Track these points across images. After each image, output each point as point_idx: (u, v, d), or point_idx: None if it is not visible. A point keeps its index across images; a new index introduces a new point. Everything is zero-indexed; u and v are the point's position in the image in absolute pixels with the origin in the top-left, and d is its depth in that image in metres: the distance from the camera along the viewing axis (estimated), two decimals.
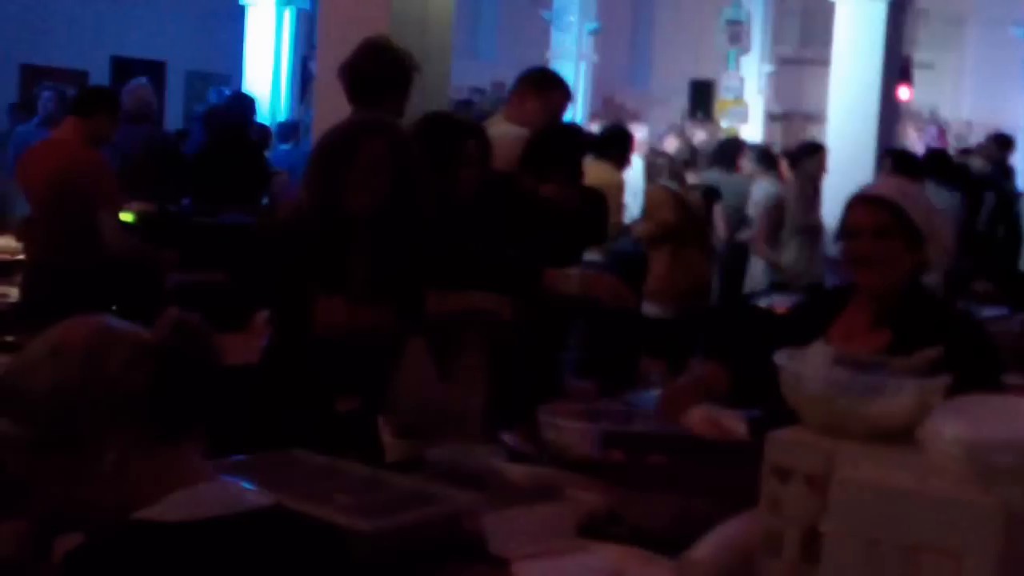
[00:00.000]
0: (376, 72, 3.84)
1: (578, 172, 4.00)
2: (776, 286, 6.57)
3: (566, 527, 2.27)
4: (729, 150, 8.20)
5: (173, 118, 11.89)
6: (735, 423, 2.70)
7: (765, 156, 7.75)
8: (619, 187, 6.11)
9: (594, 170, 5.13)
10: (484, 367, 3.45)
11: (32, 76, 11.52)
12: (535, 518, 2.27)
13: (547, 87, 4.44)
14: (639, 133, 7.91)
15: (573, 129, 4.34)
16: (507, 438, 2.89)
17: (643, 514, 2.33)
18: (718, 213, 7.04)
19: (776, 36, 16.24)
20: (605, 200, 4.40)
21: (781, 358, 1.89)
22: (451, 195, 3.41)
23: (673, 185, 6.11)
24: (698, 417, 2.70)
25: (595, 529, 2.32)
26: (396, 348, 2.95)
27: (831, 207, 7.40)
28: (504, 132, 4.02)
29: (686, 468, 2.38)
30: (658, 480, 2.35)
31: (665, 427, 2.69)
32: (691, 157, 8.12)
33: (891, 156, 7.60)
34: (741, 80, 14.05)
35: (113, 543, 1.40)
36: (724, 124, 13.52)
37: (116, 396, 1.42)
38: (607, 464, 2.45)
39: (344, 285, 2.89)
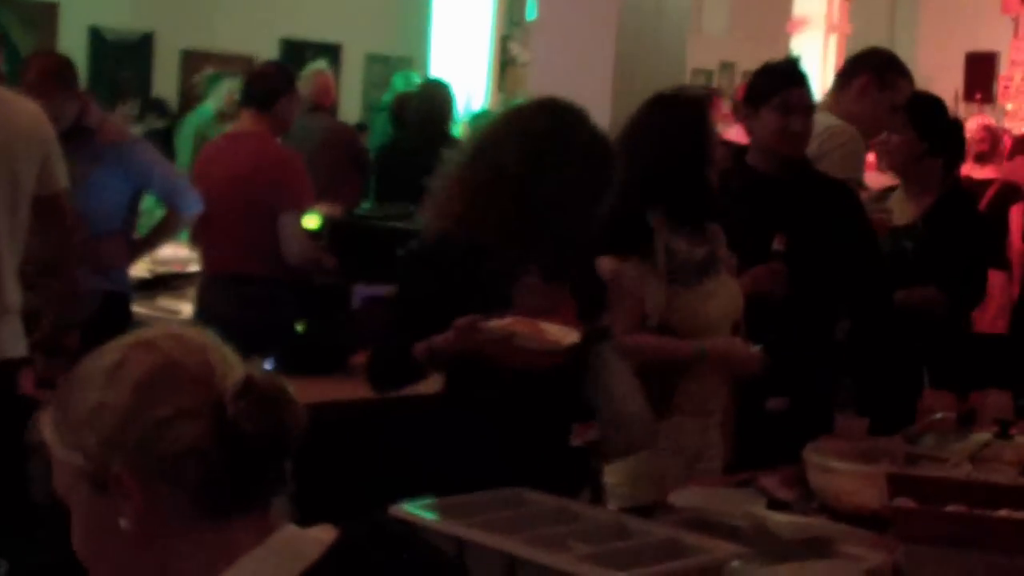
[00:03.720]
0: None
1: None
2: None
3: None
4: None
5: (350, 108, 12.23)
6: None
7: None
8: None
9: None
10: (728, 395, 3.46)
11: (193, 62, 12.07)
12: None
13: (892, 76, 4.44)
14: None
15: None
16: (765, 481, 2.90)
17: None
18: (1016, 216, 6.75)
19: None
20: None
21: None
22: None
23: None
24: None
25: None
26: (582, 359, 2.96)
27: None
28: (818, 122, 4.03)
29: (996, 521, 2.34)
30: (960, 535, 2.31)
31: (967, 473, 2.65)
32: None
33: None
34: None
35: None
36: (1010, 106, 13.08)
37: (152, 446, 1.42)
38: (894, 514, 2.42)
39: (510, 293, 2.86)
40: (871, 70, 4.44)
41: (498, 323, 2.70)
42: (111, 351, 1.48)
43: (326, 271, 5.13)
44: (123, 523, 1.42)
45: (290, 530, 1.49)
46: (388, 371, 2.95)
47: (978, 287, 4.45)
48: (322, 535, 1.50)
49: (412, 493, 2.52)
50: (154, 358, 1.45)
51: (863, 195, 4.72)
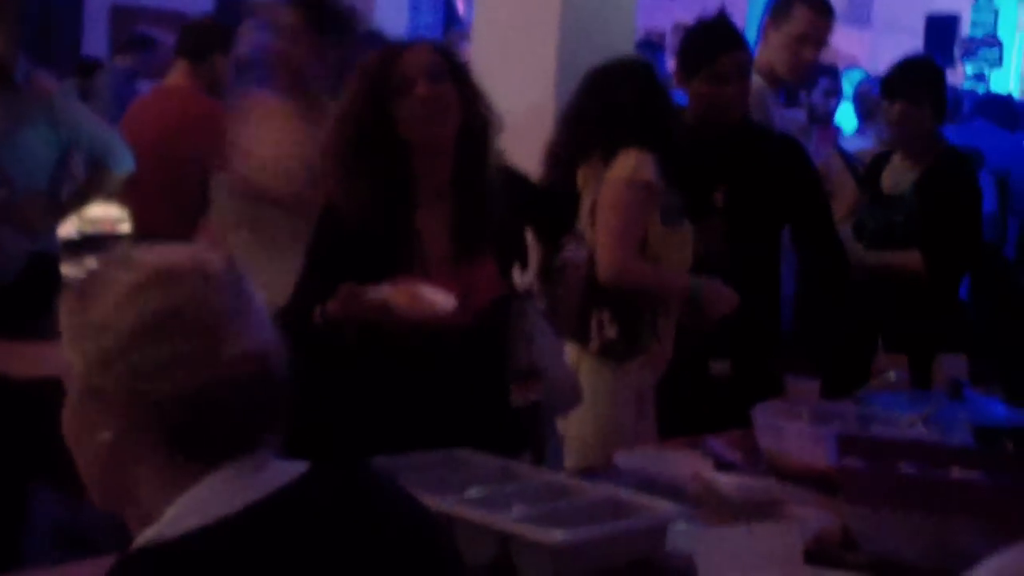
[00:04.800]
0: None
1: None
2: None
3: (791, 552, 2.27)
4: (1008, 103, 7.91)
5: None
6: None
7: None
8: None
9: None
10: (669, 353, 3.52)
11: (123, 19, 11.93)
12: (754, 540, 2.28)
13: (786, 9, 4.41)
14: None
15: None
16: (713, 443, 2.92)
17: (888, 538, 2.32)
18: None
19: None
20: None
21: None
22: None
23: None
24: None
25: (826, 555, 2.32)
26: (504, 317, 2.96)
27: None
28: None
29: (946, 482, 2.37)
30: (908, 496, 2.34)
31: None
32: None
33: None
34: (995, 13, 13.69)
35: None
36: (970, 70, 13.21)
37: (140, 382, 1.45)
38: (842, 475, 2.45)
39: (418, 252, 2.86)
40: (770, 13, 4.44)
41: (376, 291, 2.70)
42: (138, 268, 1.48)
43: None
44: (103, 435, 1.47)
45: (255, 460, 1.51)
46: (298, 334, 2.93)
47: (964, 254, 4.43)
48: (293, 467, 1.52)
49: (342, 454, 2.52)
50: (174, 297, 1.46)
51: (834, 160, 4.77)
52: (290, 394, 1.53)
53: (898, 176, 4.44)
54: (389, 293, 2.69)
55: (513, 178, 3.05)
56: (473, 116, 2.86)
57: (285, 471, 1.51)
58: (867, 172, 4.62)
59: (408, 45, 2.95)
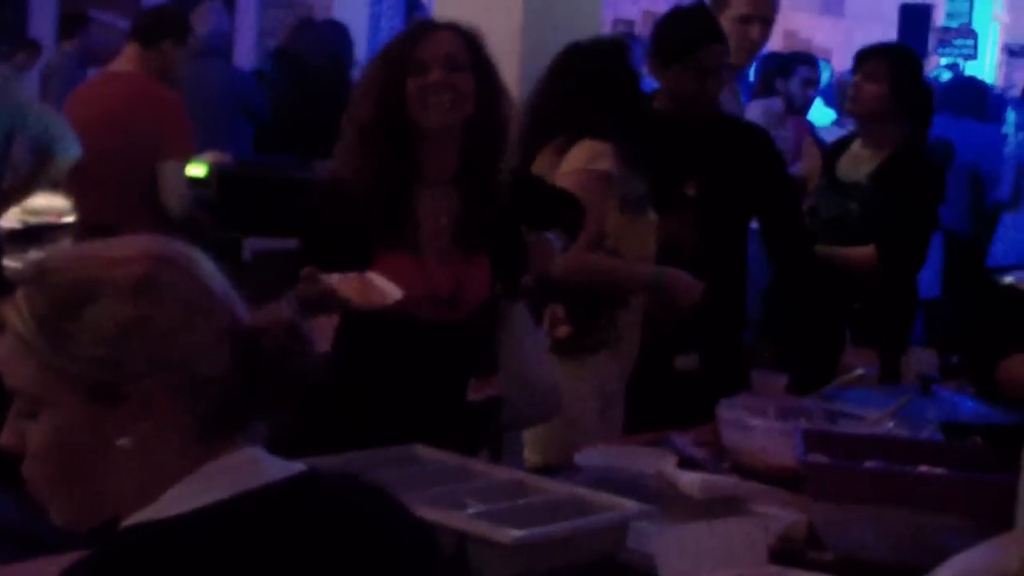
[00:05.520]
0: None
1: None
2: None
3: (755, 550, 2.28)
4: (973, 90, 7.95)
5: (243, 54, 12.09)
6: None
7: None
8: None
9: None
10: (636, 347, 3.52)
11: (71, 2, 11.87)
12: (716, 538, 2.29)
13: None
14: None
15: None
16: (677, 439, 2.92)
17: (854, 535, 2.33)
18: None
19: None
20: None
21: None
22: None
23: None
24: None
25: (792, 554, 2.32)
26: (493, 318, 2.98)
27: None
28: None
29: (913, 478, 2.38)
30: (875, 492, 2.35)
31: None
32: None
33: None
34: (971, 3, 13.80)
35: (107, 559, 1.42)
36: (944, 60, 13.31)
37: (193, 368, 1.46)
38: (808, 472, 2.45)
39: (414, 238, 2.88)
40: (710, 1, 4.46)
41: (328, 277, 2.71)
42: (129, 263, 1.47)
43: (205, 227, 5.05)
44: (122, 440, 1.45)
45: (256, 451, 1.53)
46: None
47: (916, 251, 4.42)
48: (290, 464, 1.55)
49: (304, 451, 2.51)
50: (192, 280, 1.49)
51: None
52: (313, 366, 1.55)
53: (856, 163, 4.44)
54: (338, 280, 2.70)
55: (527, 182, 3.07)
56: (487, 109, 2.88)
57: (283, 467, 1.53)
58: (827, 157, 4.62)
59: (435, 27, 2.98)
